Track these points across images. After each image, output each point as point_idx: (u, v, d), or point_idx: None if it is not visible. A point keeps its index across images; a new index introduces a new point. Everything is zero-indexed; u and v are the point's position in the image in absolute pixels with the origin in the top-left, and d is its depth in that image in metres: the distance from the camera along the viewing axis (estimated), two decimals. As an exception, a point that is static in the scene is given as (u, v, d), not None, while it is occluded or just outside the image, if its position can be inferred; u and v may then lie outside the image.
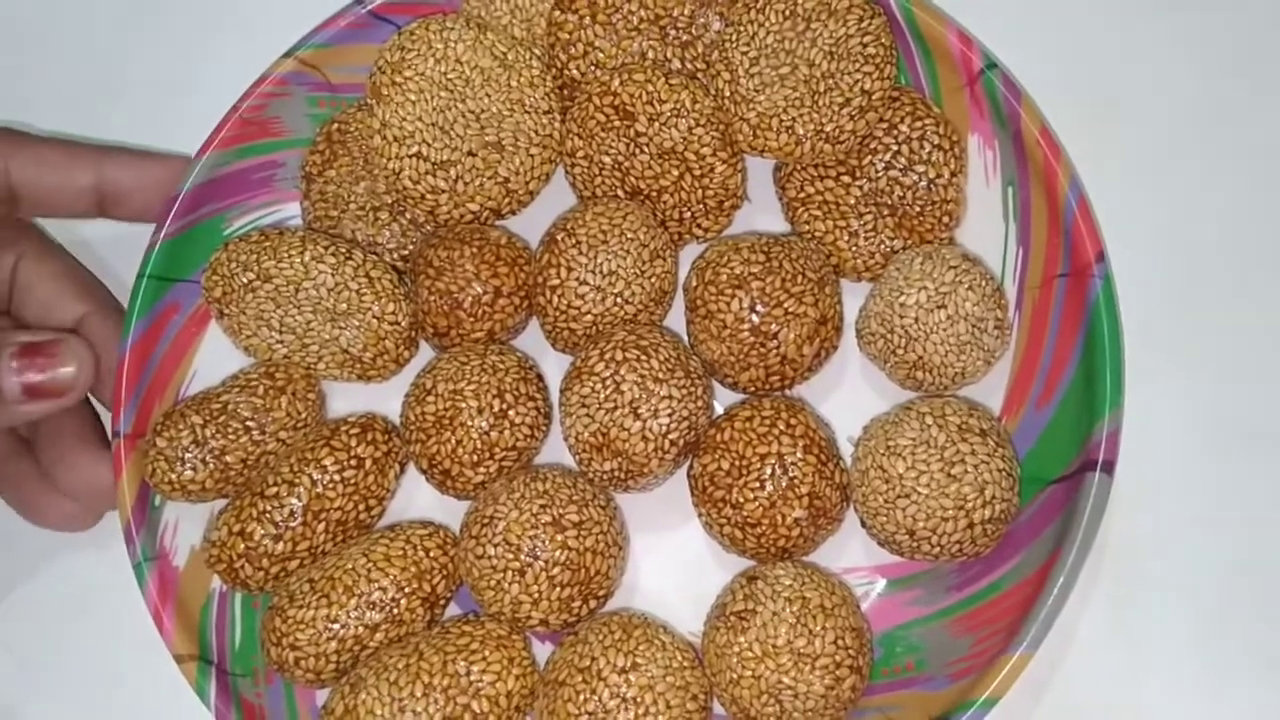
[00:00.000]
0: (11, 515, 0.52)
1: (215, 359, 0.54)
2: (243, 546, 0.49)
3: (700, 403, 0.49)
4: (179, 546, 0.51)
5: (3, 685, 0.54)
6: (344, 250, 0.51)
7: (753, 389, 0.51)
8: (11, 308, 0.54)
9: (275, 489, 0.49)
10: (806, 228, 0.52)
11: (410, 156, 0.52)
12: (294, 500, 0.49)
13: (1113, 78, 0.56)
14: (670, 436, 0.48)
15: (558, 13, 0.54)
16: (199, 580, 0.51)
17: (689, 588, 0.51)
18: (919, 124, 0.52)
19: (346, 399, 0.54)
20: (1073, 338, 0.49)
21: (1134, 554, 0.51)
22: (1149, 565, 0.51)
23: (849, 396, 0.52)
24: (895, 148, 0.52)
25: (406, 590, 0.48)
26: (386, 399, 0.53)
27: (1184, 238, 0.54)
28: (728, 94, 0.51)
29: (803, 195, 0.53)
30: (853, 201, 0.52)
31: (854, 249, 0.52)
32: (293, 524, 0.49)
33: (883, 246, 0.52)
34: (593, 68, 0.53)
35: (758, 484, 0.48)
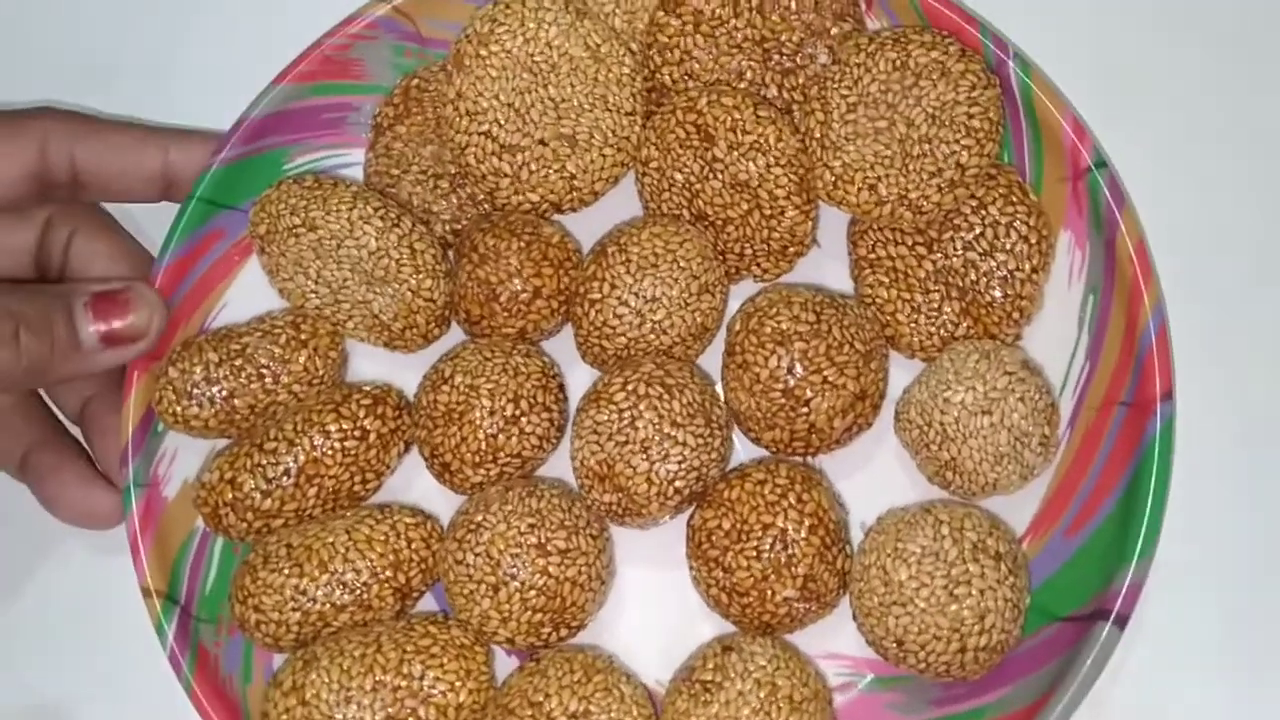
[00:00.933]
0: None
1: (249, 294, 0.53)
2: (230, 495, 0.48)
3: (715, 454, 0.47)
4: (173, 475, 0.51)
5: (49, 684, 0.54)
6: (393, 216, 0.50)
7: (774, 449, 0.48)
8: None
9: (274, 444, 0.48)
10: (869, 291, 0.50)
11: (479, 134, 0.50)
12: (290, 460, 0.48)
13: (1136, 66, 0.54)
14: (676, 484, 0.46)
15: (661, 13, 0.51)
16: (184, 515, 0.50)
17: (666, 634, 0.49)
18: (1010, 209, 0.48)
19: (371, 360, 0.53)
20: (1119, 471, 0.46)
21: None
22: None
23: (877, 477, 0.50)
24: (980, 229, 0.48)
25: (381, 577, 0.47)
26: (410, 367, 0.52)
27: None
28: (817, 135, 0.48)
29: (872, 257, 0.50)
30: (923, 275, 0.49)
31: (913, 325, 0.49)
32: (284, 483, 0.48)
33: (944, 329, 0.49)
34: (686, 77, 0.51)
35: (754, 553, 0.46)
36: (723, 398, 0.49)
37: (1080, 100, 0.49)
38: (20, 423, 0.51)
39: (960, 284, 0.49)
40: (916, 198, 0.47)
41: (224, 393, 0.49)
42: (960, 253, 0.49)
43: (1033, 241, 0.48)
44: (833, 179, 0.48)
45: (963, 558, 0.44)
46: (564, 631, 0.47)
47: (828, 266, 0.52)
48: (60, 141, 0.50)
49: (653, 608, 0.50)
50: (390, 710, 0.45)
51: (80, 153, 0.50)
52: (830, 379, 0.46)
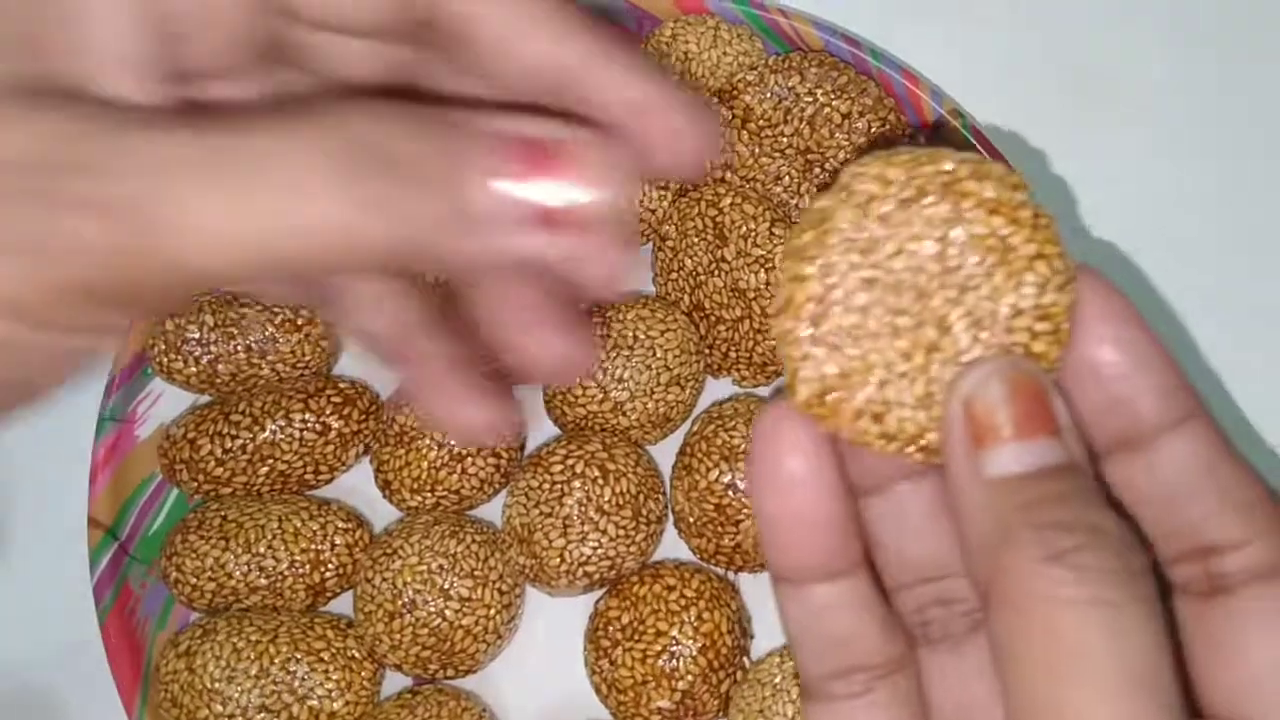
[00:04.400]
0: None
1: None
2: (188, 453, 0.50)
3: (635, 548, 0.47)
4: (151, 417, 0.53)
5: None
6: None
7: (699, 556, 0.48)
8: (464, 53, 0.26)
9: (239, 418, 0.50)
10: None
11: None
12: (249, 436, 0.50)
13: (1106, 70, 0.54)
14: (586, 568, 0.47)
15: (716, 101, 0.51)
16: (151, 457, 0.53)
17: (552, 702, 0.50)
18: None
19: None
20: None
21: None
22: None
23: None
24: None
25: (297, 571, 0.49)
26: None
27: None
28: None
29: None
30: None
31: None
32: (240, 457, 0.50)
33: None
34: (725, 167, 0.51)
35: (641, 655, 0.46)
36: (668, 489, 0.49)
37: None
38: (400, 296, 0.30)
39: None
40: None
41: (210, 356, 0.51)
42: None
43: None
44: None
45: None
46: (450, 672, 0.48)
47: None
48: None
49: (549, 673, 0.50)
50: (266, 700, 0.47)
51: None
52: (765, 507, 0.46)
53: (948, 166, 0.24)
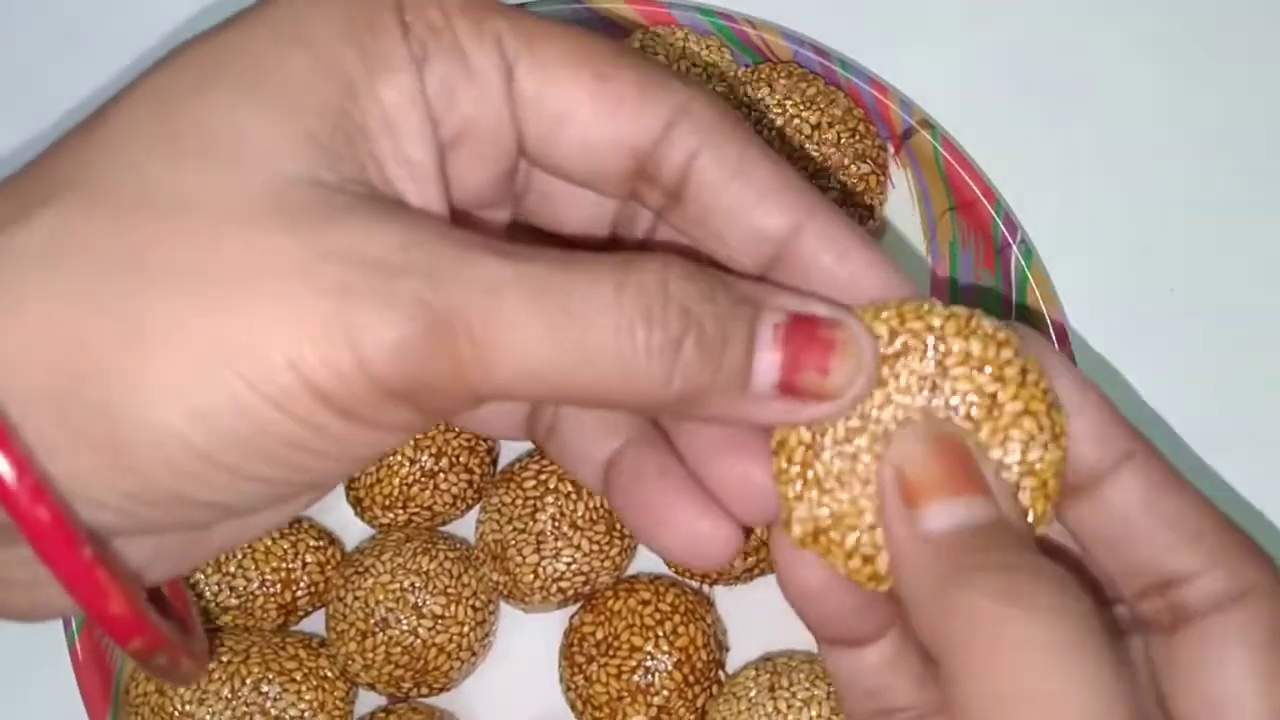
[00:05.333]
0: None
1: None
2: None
3: (609, 563, 0.47)
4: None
5: None
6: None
7: (673, 570, 0.48)
8: (689, 213, 0.27)
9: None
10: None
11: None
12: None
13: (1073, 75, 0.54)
14: (560, 584, 0.46)
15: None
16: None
17: (529, 713, 0.49)
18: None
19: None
20: None
21: None
22: None
23: (775, 616, 0.49)
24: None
25: (269, 591, 0.49)
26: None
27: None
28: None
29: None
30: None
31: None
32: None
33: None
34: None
35: (616, 671, 0.46)
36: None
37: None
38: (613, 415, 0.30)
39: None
40: None
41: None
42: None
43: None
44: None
45: None
46: (424, 690, 0.48)
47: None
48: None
49: (524, 689, 0.50)
50: (238, 722, 0.47)
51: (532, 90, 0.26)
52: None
53: (935, 323, 0.25)
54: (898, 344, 0.25)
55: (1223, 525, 0.26)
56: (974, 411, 0.25)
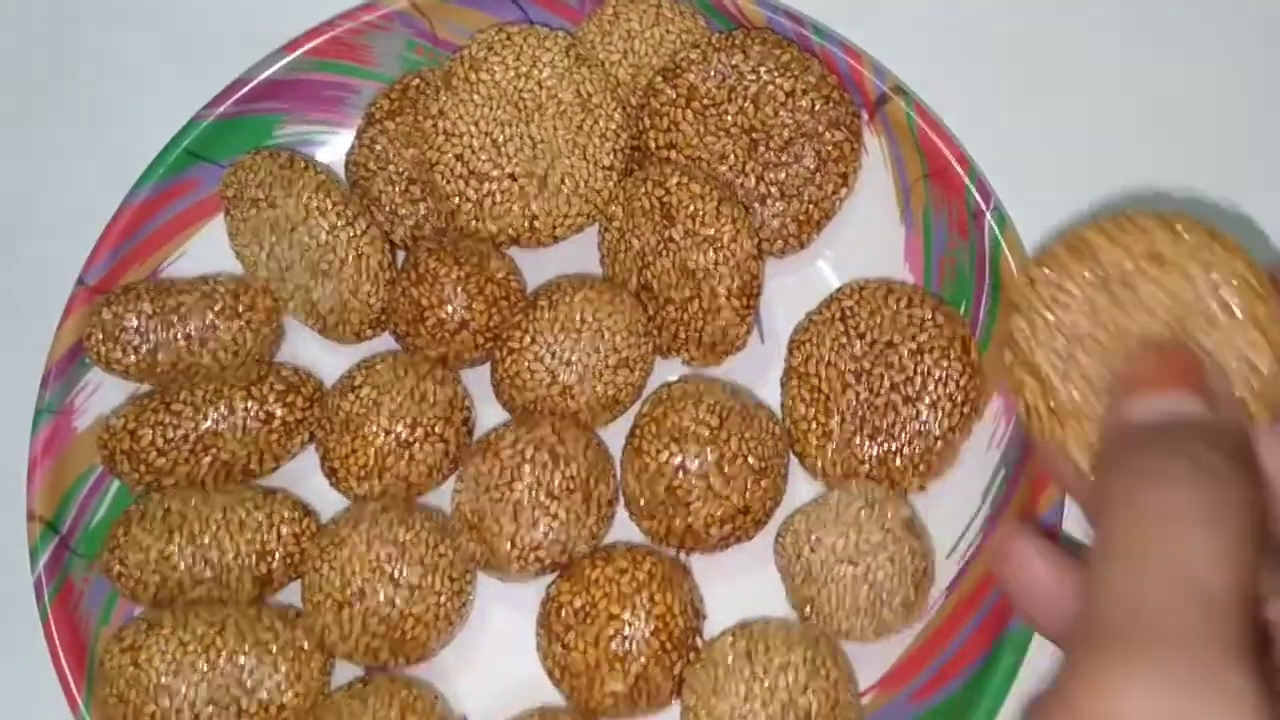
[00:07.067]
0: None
1: (211, 248, 0.54)
2: (129, 444, 0.49)
3: (585, 532, 0.47)
4: (90, 408, 0.52)
5: None
6: (349, 215, 0.50)
7: (650, 538, 0.48)
8: None
9: (181, 407, 0.49)
10: (789, 403, 0.49)
11: (452, 155, 0.50)
12: (191, 425, 0.49)
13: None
14: (538, 553, 0.46)
15: (660, 79, 0.50)
16: (91, 448, 0.52)
17: (505, 688, 0.49)
18: (945, 364, 0.47)
19: (308, 340, 0.53)
20: (977, 652, 0.45)
21: None
22: None
23: (752, 583, 0.49)
24: (909, 375, 0.47)
25: (244, 564, 0.48)
26: (346, 355, 0.52)
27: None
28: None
29: (802, 370, 0.49)
30: (844, 404, 0.48)
31: (821, 449, 0.48)
32: (182, 447, 0.49)
33: (849, 461, 0.48)
34: (670, 147, 0.50)
35: (594, 639, 0.46)
36: (619, 471, 0.49)
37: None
38: None
39: (876, 422, 0.48)
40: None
41: (149, 345, 0.50)
42: (885, 392, 0.48)
43: (958, 402, 0.47)
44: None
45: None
46: (401, 660, 0.48)
47: (773, 363, 0.51)
48: None
49: (502, 659, 0.50)
50: (215, 694, 0.46)
51: None
52: (716, 488, 0.46)
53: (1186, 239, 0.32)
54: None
55: None
56: (1221, 316, 0.30)
